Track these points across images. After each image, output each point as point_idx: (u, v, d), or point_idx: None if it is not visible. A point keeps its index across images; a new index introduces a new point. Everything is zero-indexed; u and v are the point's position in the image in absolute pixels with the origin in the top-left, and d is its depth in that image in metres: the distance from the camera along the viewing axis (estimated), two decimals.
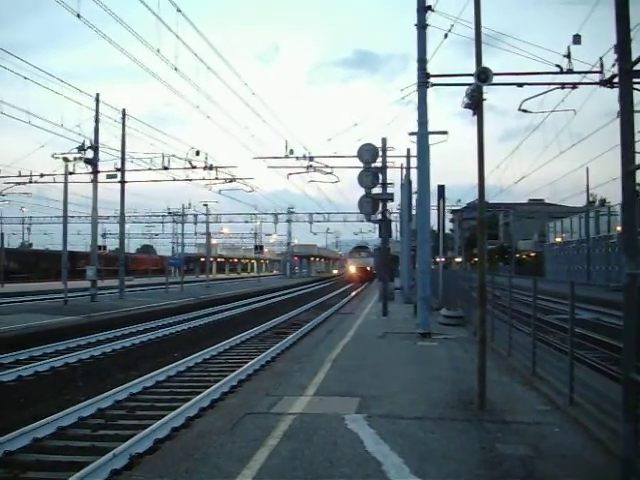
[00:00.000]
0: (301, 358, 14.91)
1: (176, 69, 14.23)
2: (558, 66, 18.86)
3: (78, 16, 10.51)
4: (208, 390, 12.59)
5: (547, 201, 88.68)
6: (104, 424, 10.69)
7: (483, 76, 10.13)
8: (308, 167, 32.93)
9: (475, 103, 10.09)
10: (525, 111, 20.04)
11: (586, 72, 19.32)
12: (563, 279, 53.10)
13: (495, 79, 11.13)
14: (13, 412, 11.68)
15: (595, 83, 19.45)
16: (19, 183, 40.36)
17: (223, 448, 7.61)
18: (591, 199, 73.96)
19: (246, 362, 16.32)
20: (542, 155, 48.30)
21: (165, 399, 12.52)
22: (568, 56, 18.86)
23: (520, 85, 19.23)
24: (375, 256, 66.04)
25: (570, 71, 19.11)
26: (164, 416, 10.41)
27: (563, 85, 19.77)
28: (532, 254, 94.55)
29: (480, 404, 9.54)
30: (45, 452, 9.06)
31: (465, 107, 10.31)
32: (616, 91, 6.25)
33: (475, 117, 10.07)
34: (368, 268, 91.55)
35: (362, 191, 25.32)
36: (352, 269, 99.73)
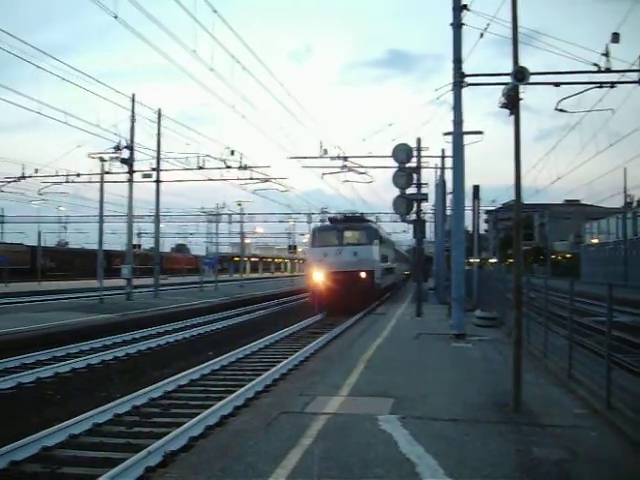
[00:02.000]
0: (335, 358, 14.91)
1: (212, 69, 14.33)
2: (596, 65, 18.59)
3: (115, 17, 10.64)
4: (242, 389, 12.63)
5: (583, 202, 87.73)
6: (139, 421, 10.79)
7: (520, 75, 10.03)
8: (342, 167, 32.88)
9: (512, 103, 9.99)
10: (562, 111, 19.78)
11: (625, 71, 19.02)
12: (600, 281, 52.42)
13: (531, 78, 11.00)
14: (50, 408, 11.86)
15: (634, 82, 19.16)
16: (56, 182, 40.83)
17: (257, 447, 7.63)
18: (628, 200, 72.85)
19: (280, 361, 16.35)
20: (579, 155, 47.50)
21: (199, 397, 12.60)
22: (606, 54, 18.57)
23: (557, 84, 18.98)
24: (386, 246, 40.96)
25: (608, 70, 18.80)
26: (198, 414, 10.47)
27: (601, 84, 19.47)
28: (568, 255, 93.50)
29: (515, 406, 9.44)
30: (81, 448, 9.17)
31: (502, 107, 10.20)
32: None
33: (511, 117, 9.99)
34: (363, 274, 33.26)
35: (396, 191, 25.22)
36: (321, 275, 33.11)
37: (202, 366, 15.38)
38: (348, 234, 34.26)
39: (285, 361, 16.22)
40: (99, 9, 10.23)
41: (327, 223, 39.61)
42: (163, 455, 8.52)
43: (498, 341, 17.51)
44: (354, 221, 36.54)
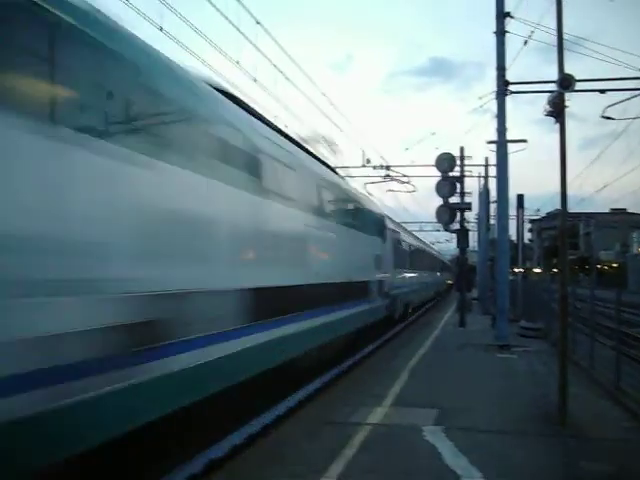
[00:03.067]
0: (378, 368, 14.86)
1: (255, 80, 14.38)
2: None
3: (160, 29, 10.71)
4: (284, 402, 12.59)
5: (630, 210, 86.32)
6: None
7: (566, 83, 9.92)
8: (385, 176, 32.77)
9: (557, 111, 9.89)
10: (608, 118, 19.49)
11: None
12: None
13: (576, 85, 10.89)
14: None
15: None
16: None
17: (301, 457, 7.63)
18: None
19: (322, 371, 16.31)
20: (625, 163, 46.81)
21: (241, 407, 12.59)
22: None
23: (602, 91, 18.72)
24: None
25: None
26: (242, 423, 10.48)
27: None
28: (614, 265, 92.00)
29: (562, 419, 9.30)
30: None
31: (547, 115, 10.11)
32: None
33: (556, 125, 9.89)
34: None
35: (439, 200, 25.11)
36: None
37: None
38: None
39: (328, 371, 16.17)
40: (145, 21, 10.29)
41: None
42: (207, 463, 8.54)
43: (543, 352, 17.28)
44: None
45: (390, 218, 26.52)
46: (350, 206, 17.64)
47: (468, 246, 34.22)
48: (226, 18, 12.47)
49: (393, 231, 25.35)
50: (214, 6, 11.87)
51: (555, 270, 54.64)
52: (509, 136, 19.07)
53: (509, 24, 17.85)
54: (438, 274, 53.07)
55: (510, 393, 11.70)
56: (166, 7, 10.81)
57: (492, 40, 18.12)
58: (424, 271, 39.95)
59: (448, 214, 25.69)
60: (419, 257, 37.22)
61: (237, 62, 13.46)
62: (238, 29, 12.98)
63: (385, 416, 9.71)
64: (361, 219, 18.13)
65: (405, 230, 35.97)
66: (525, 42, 17.96)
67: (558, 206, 10.19)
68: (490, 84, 18.04)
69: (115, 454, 6.21)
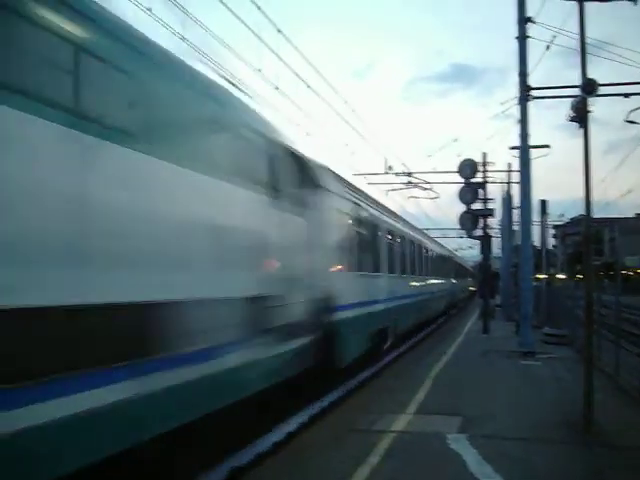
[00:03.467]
0: (402, 375, 14.81)
1: (277, 88, 14.43)
2: None
3: (183, 39, 10.79)
4: (308, 408, 12.58)
5: None
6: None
7: (589, 88, 9.88)
8: (407, 183, 32.72)
9: (581, 116, 9.84)
10: (632, 122, 19.34)
11: None
12: None
13: (600, 90, 10.83)
14: None
15: None
16: None
17: (325, 465, 7.63)
18: None
19: (346, 379, 16.27)
20: None
21: (264, 415, 12.61)
22: None
23: (626, 95, 18.57)
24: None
25: None
26: (265, 431, 10.49)
27: None
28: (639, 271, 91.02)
29: (586, 426, 9.21)
30: None
31: (570, 120, 10.07)
32: None
33: (579, 130, 9.83)
34: None
35: (461, 206, 25.04)
36: None
37: None
38: None
39: (351, 379, 16.14)
40: (168, 31, 10.36)
41: None
42: (229, 471, 8.55)
43: (568, 359, 17.13)
44: None
45: (340, 178, 15.27)
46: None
47: (491, 252, 34.08)
48: (247, 27, 12.54)
49: (354, 204, 15.44)
50: (236, 15, 11.96)
51: (579, 276, 54.13)
52: (532, 141, 18.99)
53: (530, 29, 17.80)
54: (453, 281, 42.96)
55: (534, 400, 11.61)
56: (188, 17, 10.90)
57: (514, 45, 18.09)
58: (424, 277, 29.03)
59: (471, 220, 25.62)
60: (414, 255, 25.83)
61: (259, 70, 13.52)
62: (260, 38, 13.04)
63: (409, 423, 9.68)
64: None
65: (394, 215, 24.02)
66: (547, 47, 17.90)
67: (582, 211, 10.12)
68: (512, 90, 18.18)
69: (136, 462, 6.24)
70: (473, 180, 24.85)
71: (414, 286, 25.56)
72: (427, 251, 31.36)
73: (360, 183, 22.67)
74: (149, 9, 10.09)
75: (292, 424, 11.19)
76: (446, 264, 42.56)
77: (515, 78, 18.09)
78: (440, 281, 36.46)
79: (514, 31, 18.01)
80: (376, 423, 9.68)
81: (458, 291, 52.30)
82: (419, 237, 29.40)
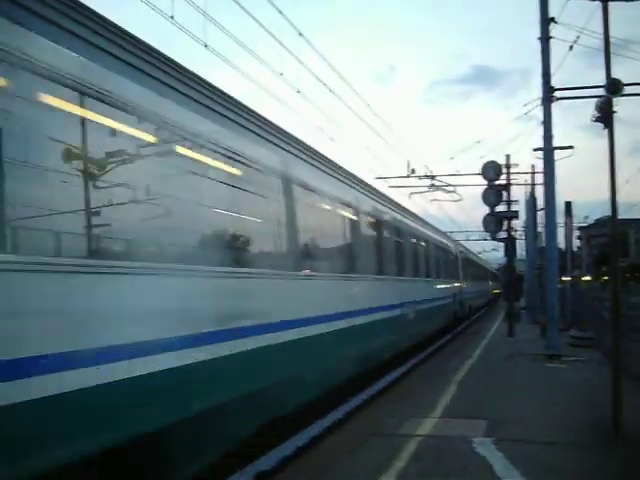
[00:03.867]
0: (426, 379, 14.75)
1: (299, 92, 14.45)
2: None
3: (205, 46, 10.84)
4: (331, 413, 12.54)
5: None
6: None
7: (613, 88, 9.78)
8: (430, 186, 32.58)
9: (606, 116, 9.74)
10: None
11: None
12: None
13: (624, 89, 10.72)
14: None
15: None
16: None
17: (350, 469, 7.60)
18: None
19: (370, 382, 16.23)
20: None
21: (287, 418, 12.60)
22: None
23: None
24: None
25: None
26: (289, 435, 10.47)
27: None
28: None
29: (615, 431, 9.09)
30: None
31: (595, 121, 9.97)
32: None
33: (604, 130, 9.73)
34: None
35: (484, 209, 24.90)
36: None
37: None
38: None
39: (375, 382, 16.09)
40: (190, 39, 10.43)
41: None
42: (255, 476, 8.55)
43: (594, 361, 16.95)
44: None
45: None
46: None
47: (515, 255, 33.86)
48: (268, 32, 12.57)
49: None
50: (256, 20, 11.99)
51: (605, 278, 53.59)
52: (555, 142, 18.84)
53: (554, 29, 17.68)
54: (457, 285, 33.20)
55: (561, 403, 11.49)
56: (210, 22, 10.94)
57: (535, 46, 17.98)
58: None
59: (495, 223, 25.46)
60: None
61: (281, 74, 13.54)
62: (281, 42, 13.07)
63: (434, 427, 9.62)
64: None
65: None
66: (570, 47, 17.73)
67: (607, 212, 10.03)
68: (534, 91, 18.20)
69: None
70: (497, 182, 24.69)
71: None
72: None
73: (381, 186, 22.56)
74: (171, 17, 10.14)
75: (316, 428, 11.18)
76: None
77: (537, 79, 18.00)
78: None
79: (536, 32, 17.91)
80: (401, 427, 9.64)
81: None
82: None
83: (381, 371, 16.30)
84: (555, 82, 18.03)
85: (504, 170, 26.47)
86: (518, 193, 67.91)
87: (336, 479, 7.21)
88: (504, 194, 25.87)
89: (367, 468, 7.55)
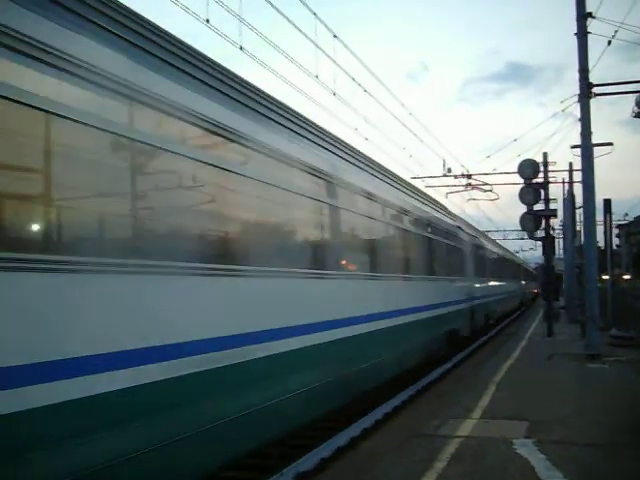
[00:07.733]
0: (465, 380, 14.67)
1: (334, 93, 14.48)
2: None
3: (241, 48, 10.91)
4: (371, 413, 12.51)
5: None
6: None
7: None
8: (466, 185, 32.40)
9: None
10: None
11: None
12: None
13: None
14: None
15: None
16: None
17: (389, 470, 7.57)
18: None
19: (408, 383, 16.17)
20: None
21: (327, 419, 12.60)
22: None
23: None
24: None
25: None
26: (328, 436, 10.46)
27: None
28: None
29: None
30: None
31: (635, 116, 9.84)
32: None
33: None
34: None
35: (522, 207, 24.68)
36: None
37: None
38: None
39: (414, 383, 16.03)
40: (226, 41, 10.53)
41: None
42: (295, 476, 8.56)
43: (636, 361, 16.73)
44: None
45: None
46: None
47: (554, 254, 33.52)
48: (304, 34, 12.62)
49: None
50: (291, 22, 12.03)
51: None
52: (594, 139, 18.59)
53: (591, 24, 17.45)
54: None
55: (603, 404, 11.34)
56: (245, 25, 11.00)
57: (570, 41, 17.75)
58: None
59: (533, 221, 25.21)
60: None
61: (316, 76, 13.57)
62: (316, 44, 13.10)
63: (474, 428, 9.55)
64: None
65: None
66: (609, 42, 17.48)
67: None
68: (570, 87, 17.95)
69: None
70: (534, 180, 24.45)
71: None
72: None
73: (418, 186, 22.53)
74: (207, 20, 10.22)
75: (355, 429, 11.17)
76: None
77: (571, 74, 17.80)
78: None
79: (572, 27, 17.69)
80: (441, 428, 9.58)
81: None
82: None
83: (415, 374, 16.24)
84: (592, 77, 17.82)
85: (541, 168, 26.22)
86: (556, 192, 67.15)
87: None
88: (542, 192, 25.61)
89: (407, 469, 7.52)
